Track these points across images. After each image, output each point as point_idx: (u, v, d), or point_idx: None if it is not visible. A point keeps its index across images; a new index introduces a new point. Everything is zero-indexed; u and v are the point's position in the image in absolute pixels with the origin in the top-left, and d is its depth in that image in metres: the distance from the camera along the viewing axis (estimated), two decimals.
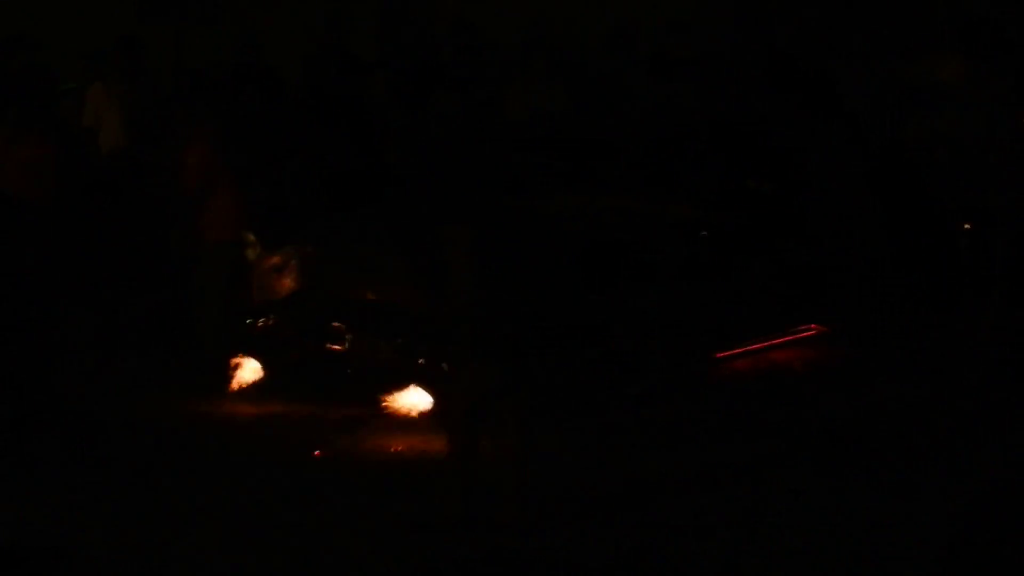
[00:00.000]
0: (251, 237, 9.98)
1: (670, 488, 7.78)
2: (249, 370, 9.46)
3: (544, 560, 6.81)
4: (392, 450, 8.43)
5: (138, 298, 10.30)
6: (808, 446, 8.47)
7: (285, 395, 9.30)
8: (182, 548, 6.94)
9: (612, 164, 10.61)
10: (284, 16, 12.93)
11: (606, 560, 6.83)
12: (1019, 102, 11.04)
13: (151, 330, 10.12)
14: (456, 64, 12.36)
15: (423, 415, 8.77)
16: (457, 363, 7.36)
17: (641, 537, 7.07)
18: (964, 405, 9.13)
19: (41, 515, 7.29)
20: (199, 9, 13.05)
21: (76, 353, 9.45)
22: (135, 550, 6.89)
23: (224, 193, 9.67)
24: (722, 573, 6.77)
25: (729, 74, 11.75)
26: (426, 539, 7.03)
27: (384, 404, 8.88)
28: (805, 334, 10.44)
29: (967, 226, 10.77)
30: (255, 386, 9.41)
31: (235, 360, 9.41)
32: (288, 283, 9.70)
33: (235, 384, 9.42)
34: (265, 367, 9.43)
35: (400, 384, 8.90)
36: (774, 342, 10.24)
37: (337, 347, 9.33)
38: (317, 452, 8.33)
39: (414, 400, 8.84)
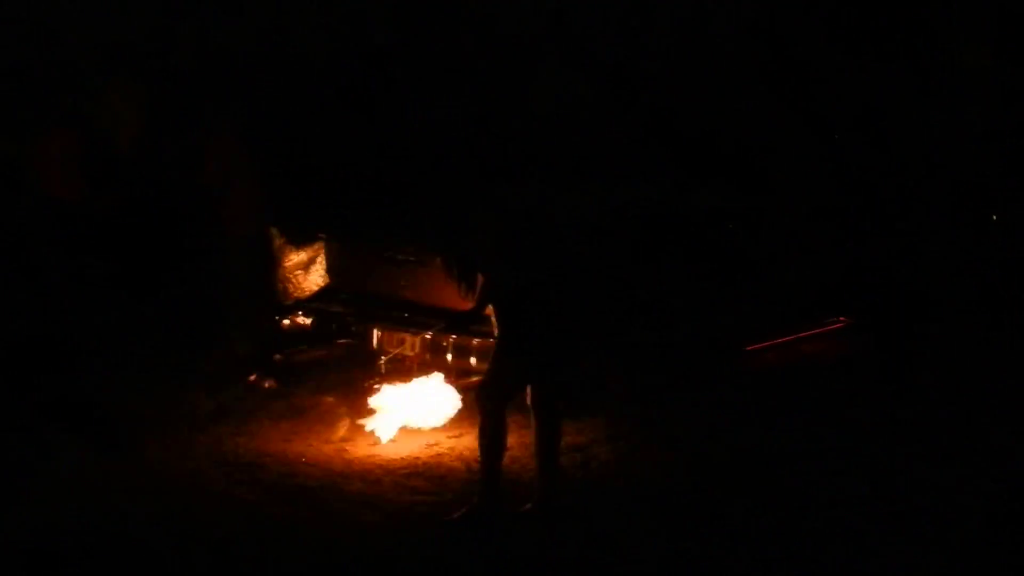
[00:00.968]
0: (275, 231, 9.94)
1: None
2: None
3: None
4: (418, 445, 8.43)
5: (165, 293, 10.31)
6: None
7: (312, 389, 9.31)
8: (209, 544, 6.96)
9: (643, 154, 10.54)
10: (307, 3, 12.86)
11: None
12: None
13: (178, 325, 10.11)
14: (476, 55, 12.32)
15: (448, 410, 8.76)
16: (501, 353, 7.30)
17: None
18: (1001, 397, 9.11)
19: (66, 514, 7.29)
20: None
21: (102, 349, 9.46)
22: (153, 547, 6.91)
23: (247, 186, 9.52)
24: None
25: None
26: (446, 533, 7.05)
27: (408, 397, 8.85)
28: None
29: (994, 217, 10.76)
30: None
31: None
32: (314, 279, 9.69)
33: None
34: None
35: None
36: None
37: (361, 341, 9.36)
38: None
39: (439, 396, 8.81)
